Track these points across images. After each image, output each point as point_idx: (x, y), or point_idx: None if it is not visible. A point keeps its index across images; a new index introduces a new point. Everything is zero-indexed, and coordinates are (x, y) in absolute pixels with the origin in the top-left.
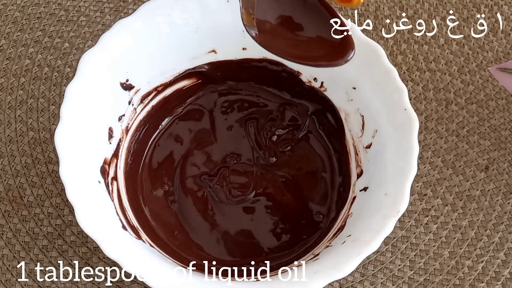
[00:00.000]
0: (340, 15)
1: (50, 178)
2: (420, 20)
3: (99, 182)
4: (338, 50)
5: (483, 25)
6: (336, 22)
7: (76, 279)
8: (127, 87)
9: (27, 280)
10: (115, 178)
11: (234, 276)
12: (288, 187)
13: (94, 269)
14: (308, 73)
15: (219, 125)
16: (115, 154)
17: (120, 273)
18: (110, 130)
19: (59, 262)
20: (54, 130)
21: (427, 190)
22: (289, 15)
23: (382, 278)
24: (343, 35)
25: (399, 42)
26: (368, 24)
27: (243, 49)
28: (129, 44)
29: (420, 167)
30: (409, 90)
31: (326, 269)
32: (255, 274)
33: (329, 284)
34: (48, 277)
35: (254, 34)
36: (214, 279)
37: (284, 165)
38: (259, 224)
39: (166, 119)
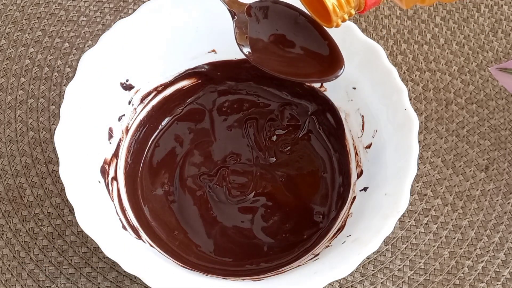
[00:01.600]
0: (330, 34)
1: (50, 178)
2: (421, 20)
3: (99, 182)
4: (328, 67)
5: (483, 25)
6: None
7: (76, 279)
8: (127, 87)
9: (27, 280)
10: (115, 178)
11: (234, 276)
12: (288, 187)
13: (94, 269)
14: None
15: (219, 125)
16: (115, 154)
17: (120, 273)
18: (110, 130)
19: (59, 262)
20: (54, 130)
21: (427, 190)
22: (281, 33)
23: (382, 278)
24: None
25: (399, 42)
26: (368, 24)
27: None
28: (129, 44)
29: (420, 167)
30: (409, 90)
31: (326, 269)
32: (255, 274)
33: (329, 284)
34: (48, 277)
35: (247, 53)
36: (214, 279)
37: (284, 165)
38: (259, 224)
39: (166, 119)
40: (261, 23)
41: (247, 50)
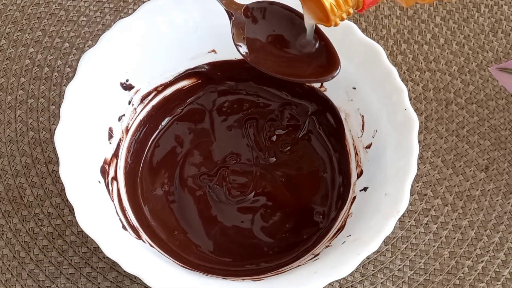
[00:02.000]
0: (326, 35)
1: (50, 178)
2: (421, 20)
3: (99, 182)
4: (325, 67)
5: (483, 25)
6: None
7: (76, 279)
8: (127, 87)
9: (27, 280)
10: (115, 178)
11: (234, 276)
12: (288, 187)
13: (94, 269)
14: None
15: (218, 125)
16: (115, 154)
17: (120, 273)
18: (110, 130)
19: (59, 262)
20: (54, 130)
21: (427, 190)
22: (278, 34)
23: (382, 278)
24: (329, 53)
25: (399, 42)
26: (368, 24)
27: None
28: (129, 44)
29: (420, 167)
30: (409, 90)
31: (326, 269)
32: (255, 274)
33: (329, 284)
34: (48, 277)
35: (244, 53)
36: (214, 279)
37: (283, 165)
38: (259, 224)
39: (166, 119)
40: (258, 24)
41: (244, 50)
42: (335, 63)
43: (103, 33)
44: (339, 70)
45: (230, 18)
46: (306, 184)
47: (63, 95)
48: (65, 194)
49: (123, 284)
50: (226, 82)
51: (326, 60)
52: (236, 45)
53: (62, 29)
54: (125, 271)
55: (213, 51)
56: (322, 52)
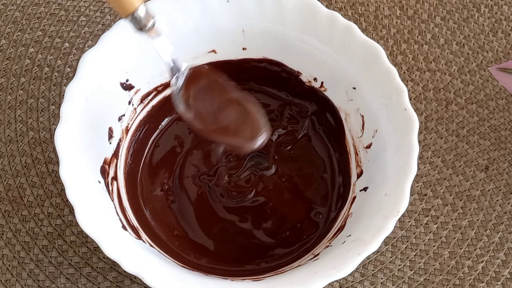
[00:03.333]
0: (252, 106)
1: (50, 178)
2: (420, 20)
3: (99, 182)
4: (250, 135)
5: (483, 25)
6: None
7: (76, 279)
8: (127, 87)
9: (27, 280)
10: (115, 178)
11: (234, 276)
12: (288, 187)
13: (94, 269)
14: (308, 73)
15: None
16: (115, 154)
17: (120, 273)
18: (110, 130)
19: (59, 262)
20: (54, 130)
21: (427, 190)
22: (210, 98)
23: (382, 278)
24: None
25: (399, 42)
26: (368, 24)
27: (243, 49)
28: (129, 44)
29: (420, 167)
30: (409, 90)
31: (326, 269)
32: (255, 274)
33: (329, 284)
34: (48, 277)
35: (188, 117)
36: (214, 279)
37: (284, 165)
38: (259, 224)
39: (166, 119)
40: (194, 86)
41: (182, 109)
42: (259, 132)
43: (103, 33)
44: (262, 140)
45: (173, 75)
46: (306, 184)
47: (63, 95)
48: (65, 194)
49: (123, 284)
50: None
51: (251, 128)
52: (174, 101)
53: (62, 29)
54: (125, 271)
55: (213, 51)
56: (250, 121)
